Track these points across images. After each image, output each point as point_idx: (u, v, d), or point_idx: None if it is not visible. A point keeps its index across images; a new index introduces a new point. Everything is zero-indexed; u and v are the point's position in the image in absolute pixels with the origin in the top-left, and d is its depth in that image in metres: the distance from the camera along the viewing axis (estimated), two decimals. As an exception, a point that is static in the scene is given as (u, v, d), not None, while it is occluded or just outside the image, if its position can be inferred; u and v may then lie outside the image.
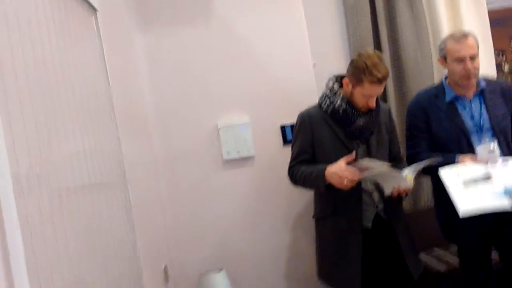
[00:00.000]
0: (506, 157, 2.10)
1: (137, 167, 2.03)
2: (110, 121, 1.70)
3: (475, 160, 2.09)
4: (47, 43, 1.17)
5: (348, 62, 2.17)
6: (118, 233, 1.59)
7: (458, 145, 2.18)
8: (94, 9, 1.67)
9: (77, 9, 1.50)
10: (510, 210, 1.88)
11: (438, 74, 2.82)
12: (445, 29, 2.81)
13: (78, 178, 1.26)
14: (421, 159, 2.13)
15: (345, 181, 1.95)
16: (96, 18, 1.68)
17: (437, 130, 2.24)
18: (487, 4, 2.87)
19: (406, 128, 2.39)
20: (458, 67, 2.16)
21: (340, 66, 2.64)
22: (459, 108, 2.22)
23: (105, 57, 1.72)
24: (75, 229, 1.17)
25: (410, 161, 2.26)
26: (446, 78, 2.29)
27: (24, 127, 0.97)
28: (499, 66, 3.14)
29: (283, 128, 2.60)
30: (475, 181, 1.98)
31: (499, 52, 3.09)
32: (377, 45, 2.83)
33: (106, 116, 1.66)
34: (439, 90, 2.28)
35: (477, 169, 2.03)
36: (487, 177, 1.98)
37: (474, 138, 2.18)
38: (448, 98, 2.23)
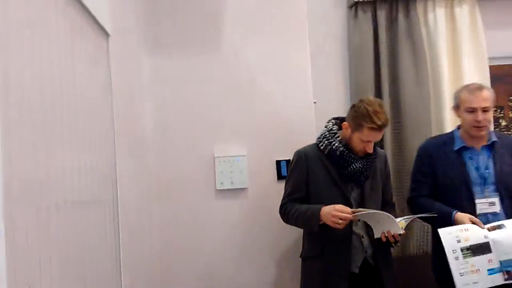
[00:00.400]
0: (504, 221, 2.10)
1: (130, 189, 2.02)
2: (109, 141, 1.71)
3: (473, 220, 2.09)
4: (55, 60, 1.20)
5: (348, 102, 2.21)
6: (103, 256, 1.57)
7: (459, 194, 2.20)
8: (107, 34, 1.72)
9: (91, 33, 1.54)
10: (504, 282, 1.97)
11: (436, 123, 2.86)
12: (446, 81, 2.87)
13: (69, 193, 1.25)
14: (420, 203, 2.19)
15: (340, 221, 1.96)
16: (107, 42, 1.73)
17: (441, 176, 2.26)
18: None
19: (412, 171, 2.42)
20: (469, 117, 2.20)
21: (340, 107, 2.68)
22: (466, 158, 2.25)
23: (112, 79, 1.75)
24: (59, 244, 1.16)
25: (410, 203, 2.33)
26: (459, 128, 2.33)
27: (22, 138, 0.98)
28: (497, 121, 3.21)
29: (278, 163, 2.60)
30: (473, 251, 2.01)
31: (497, 108, 3.16)
32: (378, 91, 2.87)
33: (106, 136, 1.67)
34: (449, 138, 2.32)
35: (476, 233, 2.04)
36: (485, 246, 2.01)
37: (476, 190, 2.19)
38: (456, 147, 2.26)
